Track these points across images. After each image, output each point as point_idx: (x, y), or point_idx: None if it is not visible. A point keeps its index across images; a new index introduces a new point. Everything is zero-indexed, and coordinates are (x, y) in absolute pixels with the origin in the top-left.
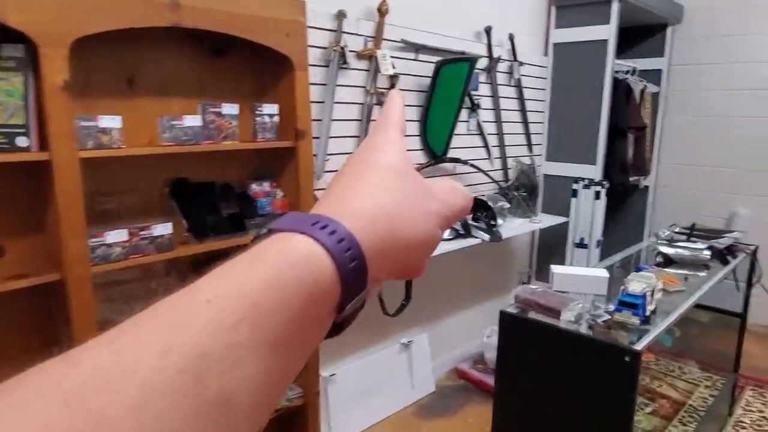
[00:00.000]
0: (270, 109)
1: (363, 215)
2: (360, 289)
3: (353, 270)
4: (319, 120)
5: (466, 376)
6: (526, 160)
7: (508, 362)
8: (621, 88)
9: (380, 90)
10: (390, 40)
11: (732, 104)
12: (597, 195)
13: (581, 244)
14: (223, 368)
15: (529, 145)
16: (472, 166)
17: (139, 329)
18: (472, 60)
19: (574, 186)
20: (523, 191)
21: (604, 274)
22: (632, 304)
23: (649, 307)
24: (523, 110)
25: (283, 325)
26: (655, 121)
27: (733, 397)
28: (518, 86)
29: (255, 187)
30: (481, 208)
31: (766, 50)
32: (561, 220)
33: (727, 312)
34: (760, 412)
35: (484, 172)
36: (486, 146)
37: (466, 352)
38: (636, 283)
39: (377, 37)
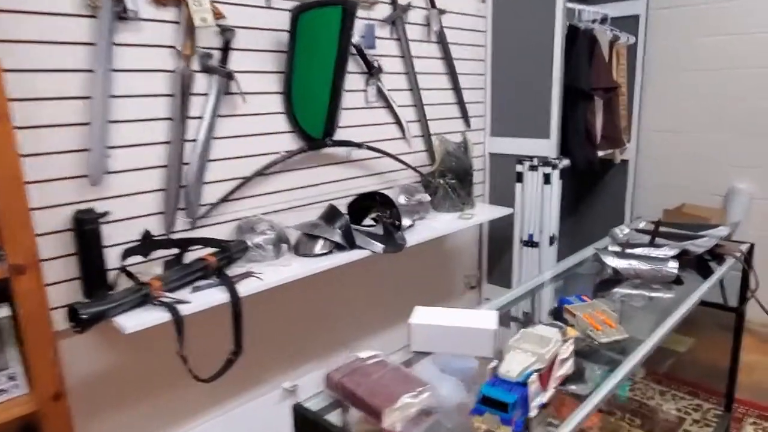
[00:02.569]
0: None
1: None
2: None
3: None
4: (88, 98)
5: None
6: (455, 138)
7: None
8: (583, 40)
9: (205, 50)
10: None
11: (726, 53)
12: (546, 179)
13: (530, 242)
14: None
15: (465, 117)
16: (371, 149)
17: None
18: (345, 4)
19: (518, 168)
20: (450, 178)
21: (489, 324)
22: (500, 403)
23: (539, 400)
24: (452, 73)
25: None
26: (633, 79)
27: None
28: (441, 42)
29: None
30: (382, 207)
31: None
32: (504, 212)
33: (723, 307)
34: None
35: (393, 157)
36: (398, 122)
37: None
38: (517, 357)
39: None
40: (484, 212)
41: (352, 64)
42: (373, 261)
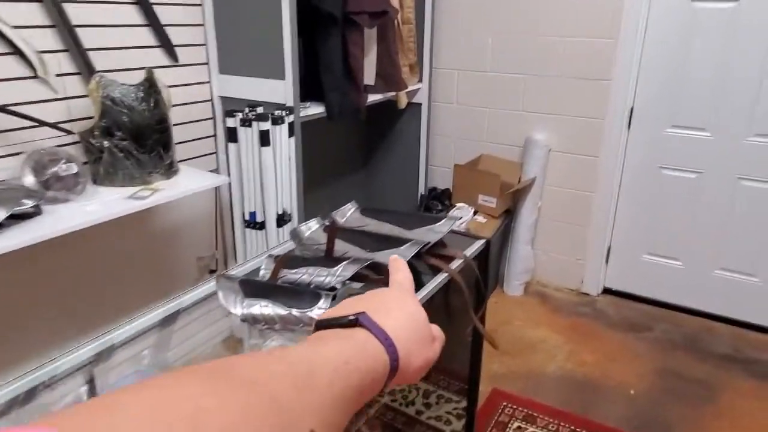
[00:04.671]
0: None
1: (403, 349)
2: (388, 384)
3: (391, 375)
4: None
5: None
6: (135, 77)
7: None
8: None
9: None
10: None
11: None
12: (264, 138)
13: (253, 223)
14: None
15: (167, 47)
16: None
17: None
18: None
19: (229, 122)
20: (120, 138)
21: None
22: None
23: None
24: None
25: (364, 387)
26: (423, 5)
27: None
28: None
29: None
30: None
31: None
32: (213, 182)
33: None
34: None
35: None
36: (19, 52)
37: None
38: None
39: None
40: (181, 184)
41: None
42: (44, 249)
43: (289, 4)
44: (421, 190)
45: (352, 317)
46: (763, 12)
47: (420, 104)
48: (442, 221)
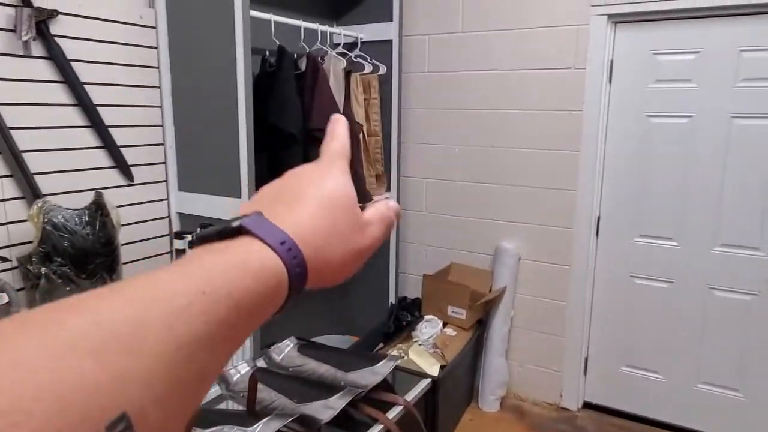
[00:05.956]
0: None
1: (310, 245)
2: (296, 294)
3: (297, 284)
4: None
5: None
6: (81, 200)
7: None
8: (290, 68)
9: None
10: None
11: (489, 91)
12: None
13: None
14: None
15: (122, 167)
16: None
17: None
18: None
19: (178, 244)
20: (59, 264)
21: None
22: None
23: None
24: (83, 104)
25: (240, 315)
26: (389, 117)
27: None
28: (53, 58)
29: None
30: None
31: (533, 14)
32: None
33: None
34: None
35: None
36: None
37: None
38: None
39: None
40: None
41: None
42: None
43: (246, 124)
44: (392, 299)
45: (235, 224)
46: (716, 127)
47: None
48: (383, 361)
